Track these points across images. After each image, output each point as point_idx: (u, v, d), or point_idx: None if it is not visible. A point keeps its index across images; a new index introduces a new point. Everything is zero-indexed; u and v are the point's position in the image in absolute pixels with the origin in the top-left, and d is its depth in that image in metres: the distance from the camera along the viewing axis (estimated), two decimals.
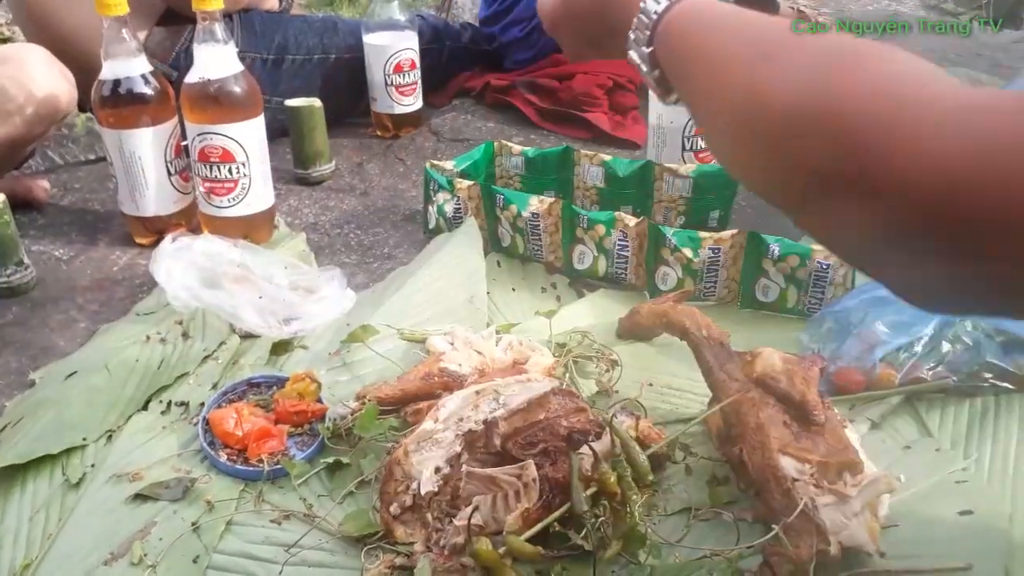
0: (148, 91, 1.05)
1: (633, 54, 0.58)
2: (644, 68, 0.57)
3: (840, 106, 0.38)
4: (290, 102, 1.33)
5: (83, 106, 1.35)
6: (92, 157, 1.53)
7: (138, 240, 1.17)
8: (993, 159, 0.33)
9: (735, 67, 0.46)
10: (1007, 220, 0.33)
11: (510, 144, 1.22)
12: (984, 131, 0.34)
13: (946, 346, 0.81)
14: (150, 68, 1.07)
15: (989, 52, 2.13)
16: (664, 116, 1.16)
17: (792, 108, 0.41)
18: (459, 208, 1.10)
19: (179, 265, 0.95)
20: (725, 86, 0.47)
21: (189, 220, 1.16)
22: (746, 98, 0.44)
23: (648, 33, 0.56)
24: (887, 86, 0.38)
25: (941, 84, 0.38)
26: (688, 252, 0.95)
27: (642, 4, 0.55)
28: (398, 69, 1.48)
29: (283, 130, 1.38)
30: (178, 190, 1.13)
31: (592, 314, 0.97)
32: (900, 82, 0.38)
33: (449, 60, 1.71)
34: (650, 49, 0.56)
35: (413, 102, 1.53)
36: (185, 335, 0.93)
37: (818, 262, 0.90)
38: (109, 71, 1.04)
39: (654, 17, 0.55)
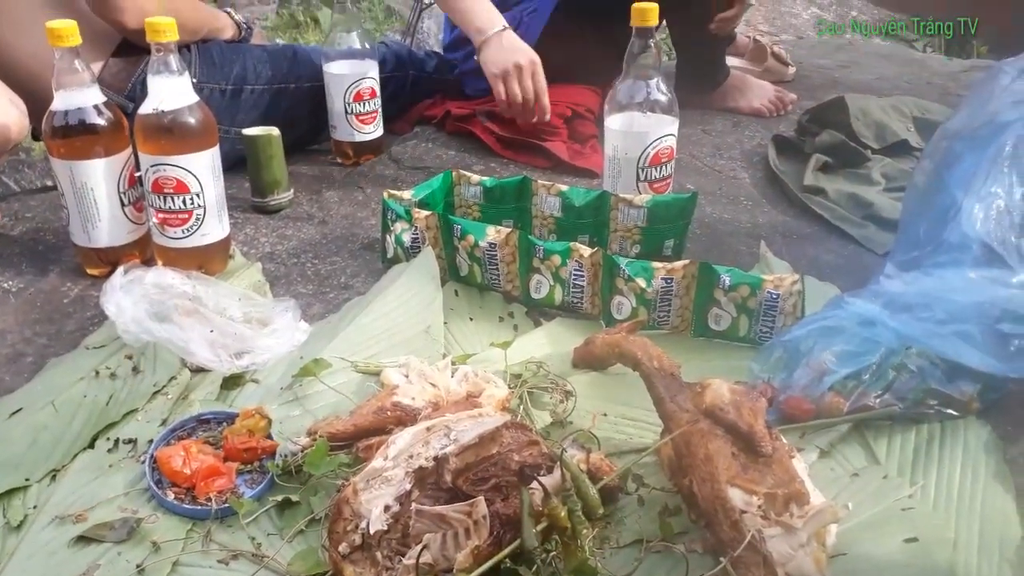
0: (101, 122, 1.04)
1: None
2: None
3: None
4: (247, 131, 1.32)
5: (37, 134, 1.33)
6: (49, 183, 1.51)
7: (90, 271, 1.15)
8: None
9: None
10: None
11: (468, 174, 1.22)
12: None
13: (891, 374, 0.83)
14: (103, 99, 1.06)
15: (940, 81, 2.19)
16: (619, 148, 1.18)
17: None
18: (417, 238, 1.10)
19: (130, 298, 0.94)
20: None
21: (143, 251, 1.15)
22: None
23: None
24: None
25: None
26: (641, 282, 0.96)
27: None
28: (358, 98, 1.48)
29: (242, 159, 1.37)
30: (132, 221, 1.11)
31: (548, 343, 0.98)
32: None
33: (413, 88, 1.72)
34: None
35: (373, 130, 1.54)
36: (135, 369, 0.92)
37: (768, 292, 0.92)
38: (61, 102, 1.03)
39: None
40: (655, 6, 1.12)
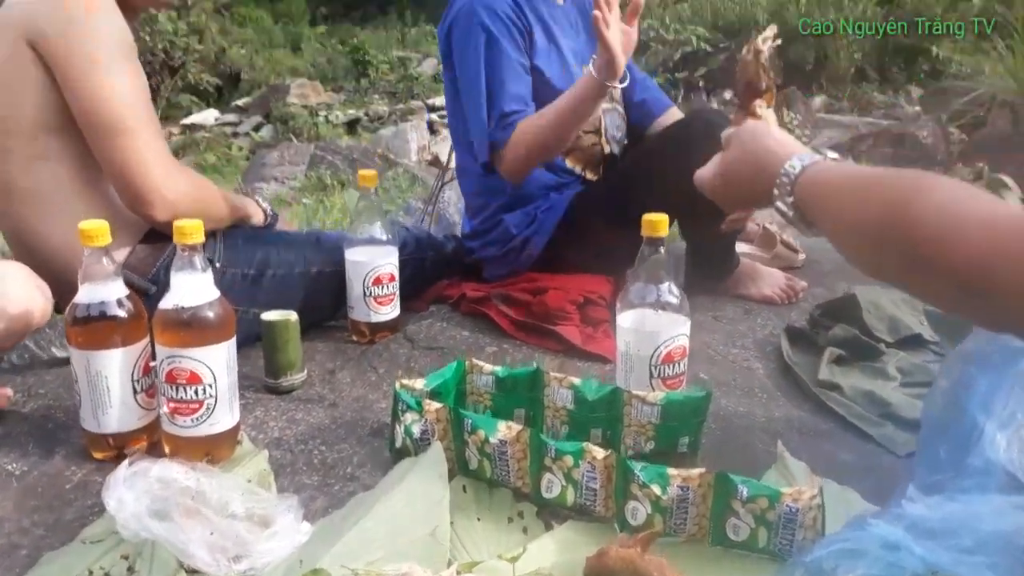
0: (121, 313, 1.06)
1: (779, 203, 0.86)
2: (789, 213, 0.85)
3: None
4: (265, 316, 1.34)
5: (60, 308, 1.36)
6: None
7: (96, 455, 1.14)
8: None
9: (868, 205, 0.73)
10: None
11: (481, 363, 1.23)
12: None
13: None
14: (126, 292, 1.08)
15: None
16: (631, 345, 1.18)
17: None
18: (426, 430, 1.09)
19: (132, 493, 0.92)
20: (862, 218, 0.74)
21: (151, 434, 1.14)
22: (882, 224, 0.71)
23: (790, 188, 0.84)
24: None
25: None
26: (657, 489, 0.93)
27: (782, 169, 0.84)
28: (377, 282, 1.52)
29: (259, 337, 1.39)
30: (143, 407, 1.11)
31: (558, 551, 0.94)
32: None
33: (430, 270, 1.76)
34: (792, 199, 0.84)
35: (390, 311, 1.56)
36: (131, 569, 0.89)
37: (787, 505, 0.89)
38: (85, 295, 1.05)
39: (793, 177, 0.84)
40: (665, 218, 1.15)
